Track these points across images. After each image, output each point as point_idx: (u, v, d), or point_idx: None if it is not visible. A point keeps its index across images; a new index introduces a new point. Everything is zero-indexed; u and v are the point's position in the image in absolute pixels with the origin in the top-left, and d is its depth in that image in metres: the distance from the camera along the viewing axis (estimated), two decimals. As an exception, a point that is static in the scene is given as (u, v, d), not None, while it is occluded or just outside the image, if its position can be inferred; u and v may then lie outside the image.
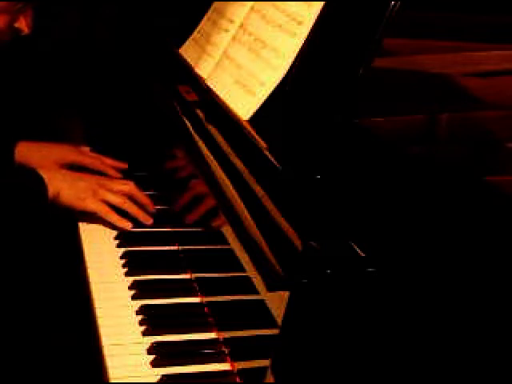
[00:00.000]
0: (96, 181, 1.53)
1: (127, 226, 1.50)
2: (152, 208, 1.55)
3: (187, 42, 1.62)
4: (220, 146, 1.28)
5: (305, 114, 1.16)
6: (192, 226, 1.46)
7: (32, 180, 1.45)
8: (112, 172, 1.63)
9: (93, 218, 1.53)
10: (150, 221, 1.52)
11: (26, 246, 1.64)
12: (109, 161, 1.66)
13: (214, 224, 1.33)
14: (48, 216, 1.50)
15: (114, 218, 1.50)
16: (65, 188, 1.47)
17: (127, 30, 2.09)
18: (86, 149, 1.77)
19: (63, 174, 1.53)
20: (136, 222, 1.52)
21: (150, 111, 1.75)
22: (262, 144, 1.17)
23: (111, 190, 1.51)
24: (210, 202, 1.35)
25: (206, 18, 1.60)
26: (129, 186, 1.54)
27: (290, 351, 0.93)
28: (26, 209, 1.46)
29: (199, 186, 1.41)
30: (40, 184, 1.44)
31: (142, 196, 1.54)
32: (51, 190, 1.45)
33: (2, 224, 1.45)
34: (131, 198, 1.53)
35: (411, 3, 1.09)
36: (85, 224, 1.54)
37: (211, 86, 1.40)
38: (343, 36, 1.15)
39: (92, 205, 1.49)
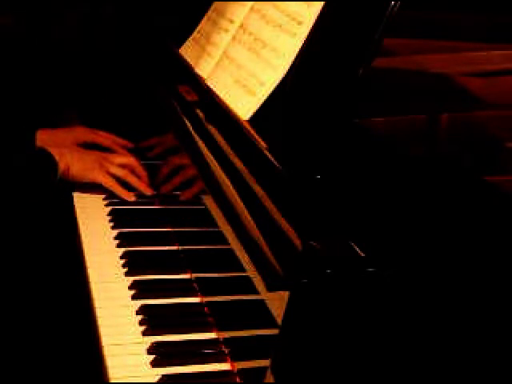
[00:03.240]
0: (100, 154, 1.66)
1: (130, 197, 1.61)
2: (148, 181, 1.65)
3: (187, 42, 1.62)
4: (220, 146, 1.28)
5: (305, 114, 1.16)
6: (192, 226, 1.46)
7: (42, 158, 1.55)
8: (121, 150, 1.74)
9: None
10: (149, 191, 1.63)
11: (27, 246, 1.65)
12: (118, 139, 1.77)
13: (192, 192, 1.46)
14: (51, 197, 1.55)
15: (119, 189, 1.62)
16: (74, 162, 1.59)
17: (127, 30, 2.09)
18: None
19: (70, 149, 1.64)
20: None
21: (150, 111, 1.75)
22: (262, 144, 1.17)
23: (114, 163, 1.63)
24: (188, 173, 1.48)
25: (206, 18, 1.60)
26: (129, 159, 1.68)
27: (290, 351, 0.93)
28: (36, 188, 1.55)
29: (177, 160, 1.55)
30: (50, 161, 1.54)
31: (141, 170, 1.66)
32: (62, 166, 1.56)
33: (8, 213, 1.50)
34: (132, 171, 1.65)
35: (411, 3, 1.09)
36: (85, 224, 1.54)
37: (211, 86, 1.40)
38: (343, 36, 1.15)
39: (99, 176, 1.61)
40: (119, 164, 1.64)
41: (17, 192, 1.52)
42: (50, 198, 1.56)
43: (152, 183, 1.65)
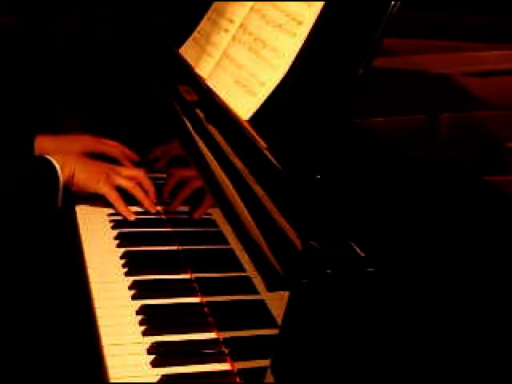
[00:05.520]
0: (107, 165, 1.60)
1: (130, 216, 1.56)
2: (154, 198, 1.60)
3: (187, 42, 1.62)
4: (220, 146, 1.28)
5: (305, 113, 1.16)
6: (192, 226, 1.46)
7: (42, 166, 1.50)
8: (127, 163, 1.69)
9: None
10: (154, 209, 1.58)
11: (27, 246, 1.65)
12: (127, 150, 1.72)
13: (201, 208, 1.42)
14: (55, 207, 1.51)
15: (121, 205, 1.56)
16: (79, 170, 1.53)
17: (127, 30, 2.09)
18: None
19: (76, 157, 1.58)
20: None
21: (150, 111, 1.75)
22: (262, 144, 1.17)
23: (121, 175, 1.58)
24: (194, 184, 1.44)
25: (206, 17, 1.60)
26: (138, 172, 1.62)
27: (290, 351, 0.93)
28: (36, 199, 1.50)
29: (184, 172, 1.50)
30: (50, 168, 1.49)
31: (148, 184, 1.61)
32: (66, 172, 1.51)
33: (8, 219, 1.47)
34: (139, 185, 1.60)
35: (411, 3, 1.09)
36: (85, 224, 1.54)
37: (211, 86, 1.40)
38: (343, 36, 1.15)
39: (104, 188, 1.55)
40: (126, 176, 1.59)
41: (16, 200, 1.49)
42: (52, 205, 1.51)
43: (159, 196, 1.60)
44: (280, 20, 1.28)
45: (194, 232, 1.46)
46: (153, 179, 1.64)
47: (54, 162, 1.49)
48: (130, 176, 1.60)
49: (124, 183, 1.57)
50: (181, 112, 1.47)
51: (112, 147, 1.72)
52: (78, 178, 1.53)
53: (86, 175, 1.54)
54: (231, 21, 1.45)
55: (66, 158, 1.53)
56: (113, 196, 1.56)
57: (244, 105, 1.27)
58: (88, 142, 1.71)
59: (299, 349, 0.93)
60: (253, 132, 1.22)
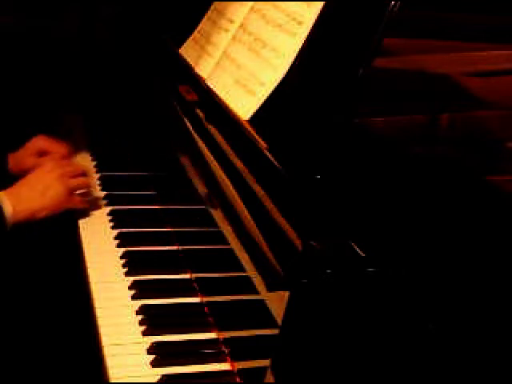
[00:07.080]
0: (56, 175, 1.53)
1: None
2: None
3: (187, 42, 1.62)
4: (220, 146, 1.28)
5: (305, 113, 1.16)
6: (192, 226, 1.46)
7: None
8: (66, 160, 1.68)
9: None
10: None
11: (27, 247, 1.65)
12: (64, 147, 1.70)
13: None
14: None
15: (83, 204, 1.58)
16: (36, 204, 1.48)
17: (127, 29, 2.09)
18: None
19: (28, 191, 1.49)
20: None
21: (150, 111, 1.76)
22: (262, 144, 1.17)
23: (70, 179, 1.56)
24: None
25: (206, 17, 1.60)
26: (72, 167, 1.61)
27: (290, 351, 0.93)
28: None
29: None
30: None
31: (75, 171, 1.60)
32: (25, 215, 1.45)
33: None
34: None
35: (411, 3, 1.09)
36: (85, 224, 1.54)
37: (211, 86, 1.40)
38: (343, 36, 1.15)
39: (69, 205, 1.53)
40: (74, 175, 1.57)
41: None
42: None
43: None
44: (280, 20, 1.28)
45: (194, 232, 1.46)
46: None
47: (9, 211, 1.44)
48: (73, 172, 1.58)
49: (79, 184, 1.57)
50: (181, 112, 1.47)
51: (59, 146, 1.69)
52: (42, 212, 1.48)
53: (54, 202, 1.49)
54: (231, 21, 1.45)
55: (17, 198, 1.46)
56: (79, 205, 1.56)
57: (244, 105, 1.27)
58: (34, 142, 1.69)
59: (299, 349, 0.93)
60: (253, 132, 1.22)
